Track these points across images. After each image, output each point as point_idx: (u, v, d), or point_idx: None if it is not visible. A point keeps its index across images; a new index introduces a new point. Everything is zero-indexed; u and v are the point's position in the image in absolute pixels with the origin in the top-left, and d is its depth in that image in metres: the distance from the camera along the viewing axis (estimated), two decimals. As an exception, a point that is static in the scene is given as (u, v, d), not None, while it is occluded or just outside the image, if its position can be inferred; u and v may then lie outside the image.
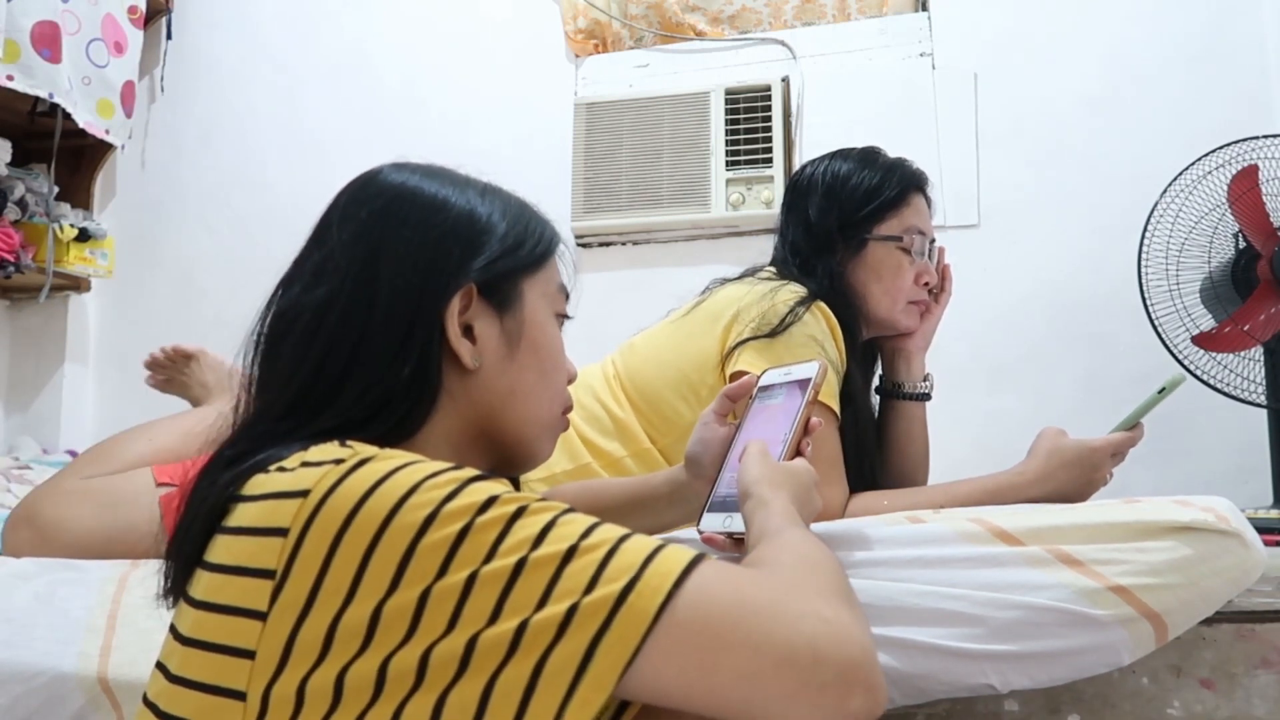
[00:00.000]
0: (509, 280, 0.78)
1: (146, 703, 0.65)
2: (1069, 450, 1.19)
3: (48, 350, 2.54)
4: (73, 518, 1.27)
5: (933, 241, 1.43)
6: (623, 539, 0.58)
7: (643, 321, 1.44)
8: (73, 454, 2.38)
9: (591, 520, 0.59)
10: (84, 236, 2.37)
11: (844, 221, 1.38)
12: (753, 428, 0.90)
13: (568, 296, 0.85)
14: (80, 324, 2.59)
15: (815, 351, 1.22)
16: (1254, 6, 2.07)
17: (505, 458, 0.80)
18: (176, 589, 0.67)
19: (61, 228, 2.31)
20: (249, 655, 0.58)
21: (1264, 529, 1.13)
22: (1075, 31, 2.16)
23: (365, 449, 0.64)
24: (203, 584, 0.63)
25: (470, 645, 0.55)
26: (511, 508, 0.58)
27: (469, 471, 0.61)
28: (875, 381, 1.52)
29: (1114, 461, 1.20)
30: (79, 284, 2.51)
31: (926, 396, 1.49)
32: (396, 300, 0.72)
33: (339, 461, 0.61)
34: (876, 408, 1.51)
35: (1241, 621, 0.92)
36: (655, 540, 0.58)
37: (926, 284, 1.41)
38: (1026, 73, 2.17)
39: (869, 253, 1.37)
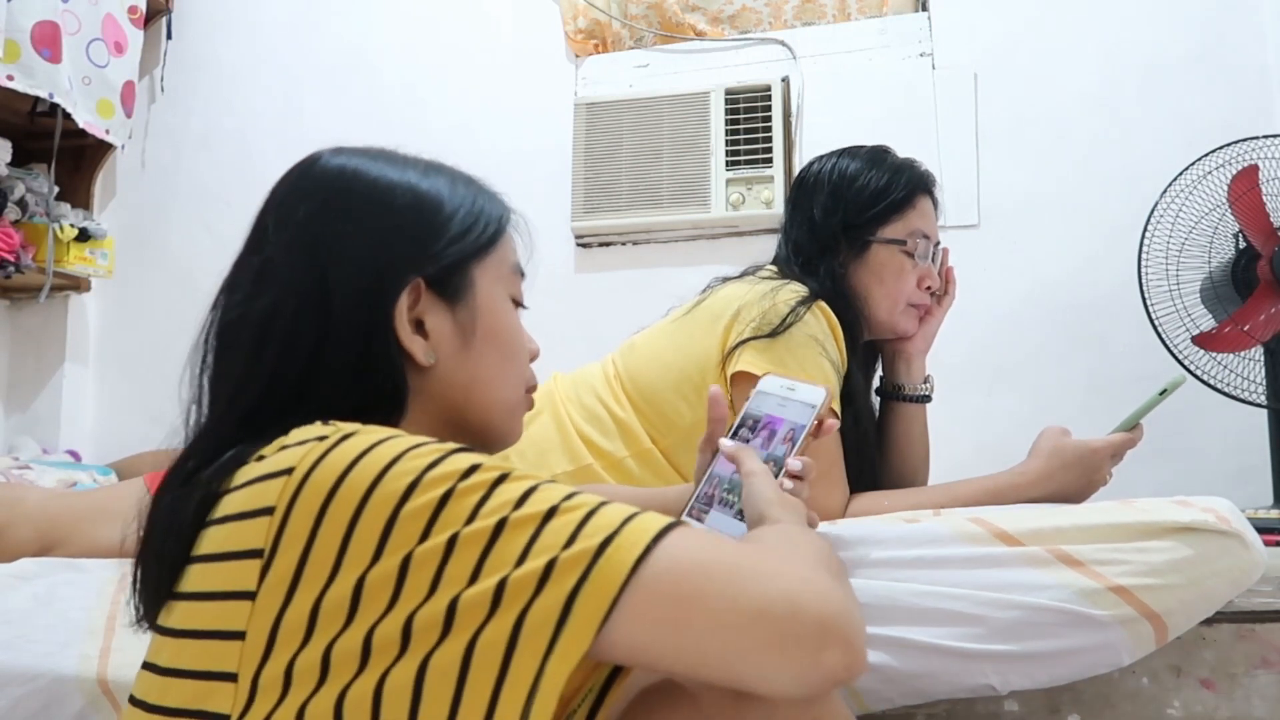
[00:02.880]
0: (458, 270, 0.75)
1: (134, 702, 0.64)
2: (1070, 451, 1.19)
3: (48, 350, 2.54)
4: (80, 536, 1.27)
5: (937, 244, 1.42)
6: (604, 503, 0.58)
7: (643, 321, 1.44)
8: (73, 454, 2.38)
9: (572, 489, 0.59)
10: (84, 236, 2.36)
11: (849, 222, 1.37)
12: (746, 435, 0.88)
13: (523, 275, 0.83)
14: (80, 324, 2.58)
15: (816, 351, 1.22)
16: (1254, 6, 2.07)
17: (475, 444, 0.78)
18: (161, 598, 0.65)
19: (61, 228, 2.31)
20: (239, 637, 0.58)
21: (1264, 529, 1.14)
22: (1075, 31, 2.15)
23: (347, 426, 0.64)
24: (192, 577, 0.63)
25: (452, 607, 0.54)
26: (494, 474, 0.58)
27: (451, 444, 0.61)
28: (875, 383, 1.52)
29: (1113, 462, 1.21)
30: (79, 284, 2.51)
31: (927, 398, 1.49)
32: (348, 305, 0.70)
33: (322, 438, 0.61)
34: (877, 409, 1.51)
35: (1241, 621, 0.92)
36: (636, 508, 0.58)
37: (929, 288, 1.41)
38: (1026, 73, 2.17)
39: (872, 255, 1.37)
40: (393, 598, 0.55)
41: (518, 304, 0.82)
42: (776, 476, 0.80)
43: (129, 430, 2.47)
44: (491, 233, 0.78)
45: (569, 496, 0.58)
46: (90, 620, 1.02)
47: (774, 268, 1.40)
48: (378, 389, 0.71)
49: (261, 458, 0.63)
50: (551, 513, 0.56)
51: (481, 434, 0.79)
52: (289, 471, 0.60)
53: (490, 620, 0.54)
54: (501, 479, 0.58)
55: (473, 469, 0.58)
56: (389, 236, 0.73)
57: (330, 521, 0.57)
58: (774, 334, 1.22)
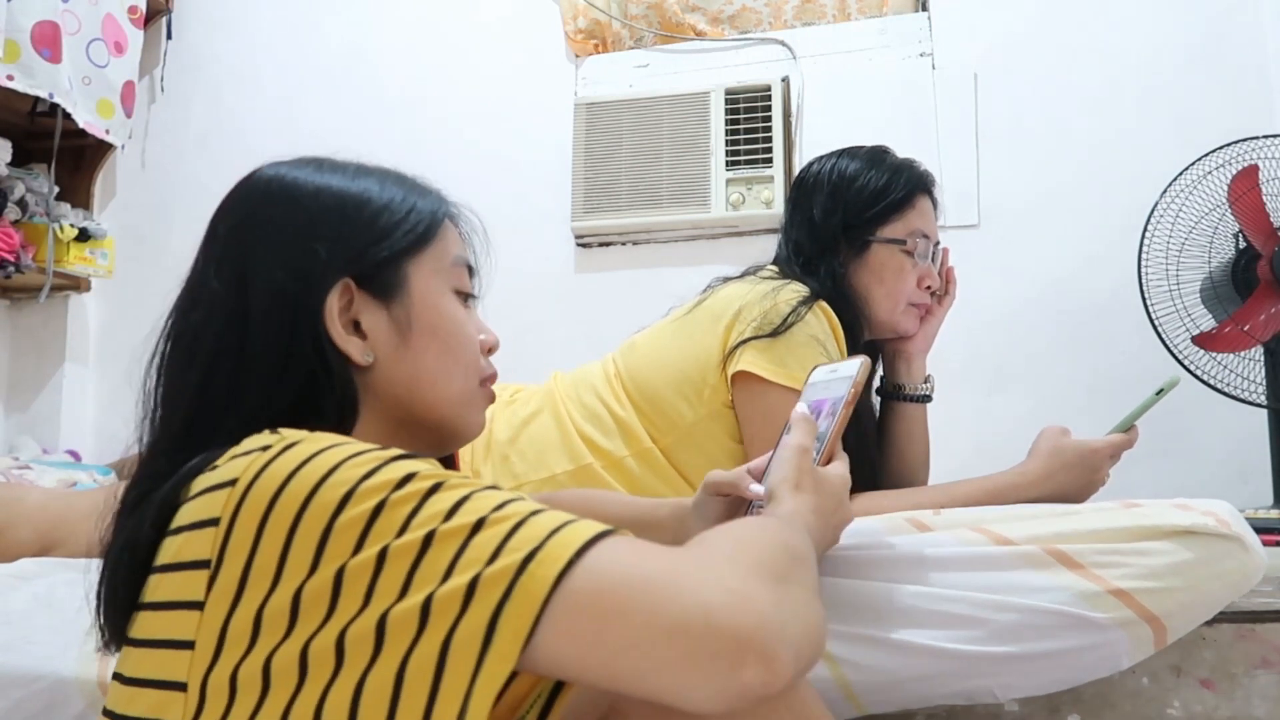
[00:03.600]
0: (389, 267, 0.75)
1: (105, 713, 0.64)
2: (1070, 451, 1.19)
3: (48, 350, 2.54)
4: (80, 536, 1.27)
5: (937, 244, 1.43)
6: (534, 513, 0.56)
7: (643, 321, 1.44)
8: (73, 454, 2.38)
9: (507, 496, 0.58)
10: (84, 236, 2.36)
11: (849, 222, 1.38)
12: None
13: (471, 269, 0.82)
14: (80, 324, 2.58)
15: (817, 351, 1.22)
16: (1254, 7, 2.07)
17: (435, 439, 0.79)
18: (126, 612, 0.66)
19: (61, 228, 2.31)
20: (189, 646, 0.59)
21: (1264, 529, 1.14)
22: (1075, 31, 2.15)
23: (293, 434, 0.63)
24: (151, 587, 0.63)
25: (381, 623, 0.54)
26: (427, 484, 0.58)
27: (392, 451, 0.61)
28: (875, 383, 1.52)
29: (1110, 463, 1.21)
30: (79, 284, 2.51)
31: (927, 398, 1.49)
32: (270, 313, 0.71)
33: (265, 448, 0.62)
34: (877, 409, 1.51)
35: (1241, 621, 0.92)
36: (569, 516, 0.57)
37: (929, 287, 1.41)
38: (1026, 73, 2.17)
39: (872, 254, 1.37)
40: (329, 610, 0.55)
41: (466, 296, 0.81)
42: (818, 455, 0.79)
43: (129, 430, 2.46)
44: (424, 227, 0.78)
45: (500, 506, 0.56)
46: (90, 621, 1.02)
47: (774, 268, 1.40)
48: (319, 392, 0.71)
49: (215, 467, 0.64)
50: (479, 525, 0.55)
51: (435, 430, 0.79)
52: (233, 483, 0.60)
53: (419, 640, 0.53)
54: (435, 489, 0.58)
55: (407, 478, 0.58)
56: (309, 240, 0.73)
57: (270, 532, 0.58)
58: (775, 334, 1.22)
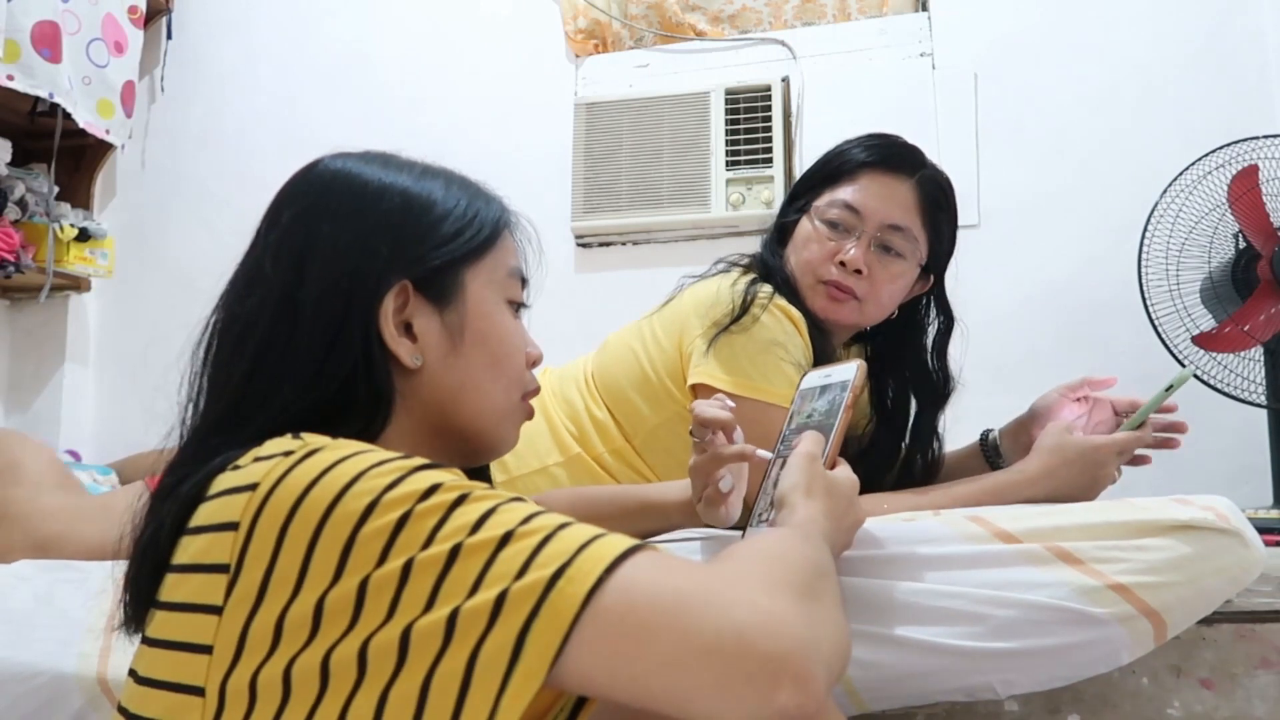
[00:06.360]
0: (447, 273, 0.75)
1: (120, 710, 0.64)
2: (1071, 448, 1.18)
3: (48, 350, 2.54)
4: (75, 535, 1.27)
5: (893, 226, 1.30)
6: (562, 526, 0.56)
7: (642, 322, 1.44)
8: (73, 454, 2.38)
9: (534, 509, 0.58)
10: (84, 236, 2.37)
11: (788, 202, 1.38)
12: (793, 436, 0.87)
13: (524, 280, 0.82)
14: (80, 324, 2.58)
15: (777, 356, 1.19)
16: (1254, 6, 2.07)
17: (468, 450, 0.79)
18: (144, 604, 0.66)
19: (61, 228, 2.31)
20: (207, 650, 0.58)
21: (1264, 529, 1.13)
22: (1075, 31, 2.15)
23: (316, 440, 0.63)
24: (167, 586, 0.63)
25: (406, 635, 0.53)
26: (453, 495, 0.57)
27: (415, 460, 0.60)
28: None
29: (1120, 460, 1.19)
30: (79, 284, 2.51)
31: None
32: (322, 305, 0.70)
33: (288, 454, 0.61)
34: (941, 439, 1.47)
35: (1241, 621, 0.92)
36: (596, 529, 0.56)
37: (842, 263, 1.28)
38: (1026, 73, 2.17)
39: (798, 227, 1.34)
40: (352, 620, 0.55)
41: (518, 307, 0.81)
42: (823, 461, 0.80)
43: (129, 430, 2.46)
44: (485, 236, 0.78)
45: (528, 519, 0.56)
46: (90, 619, 1.02)
47: (740, 255, 1.39)
48: (354, 392, 0.70)
49: (237, 467, 0.63)
50: (506, 538, 0.55)
51: (472, 441, 0.78)
52: (253, 487, 0.60)
53: (445, 653, 0.53)
54: (460, 500, 0.57)
55: (432, 489, 0.57)
56: (372, 238, 0.73)
57: (292, 540, 0.57)
58: (728, 330, 1.20)
